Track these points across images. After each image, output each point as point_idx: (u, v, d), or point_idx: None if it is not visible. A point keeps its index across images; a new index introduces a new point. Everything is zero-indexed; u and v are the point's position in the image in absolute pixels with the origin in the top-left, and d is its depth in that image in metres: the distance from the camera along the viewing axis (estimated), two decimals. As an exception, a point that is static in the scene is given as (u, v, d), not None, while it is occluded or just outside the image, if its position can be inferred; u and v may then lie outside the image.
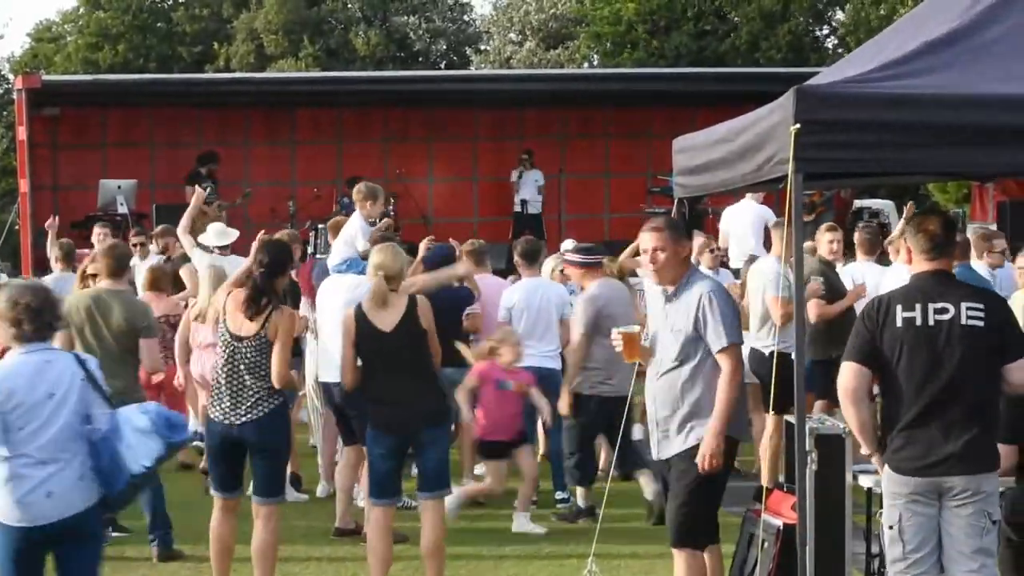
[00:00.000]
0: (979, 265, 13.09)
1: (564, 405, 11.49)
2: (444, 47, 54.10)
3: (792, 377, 7.10)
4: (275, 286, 9.13)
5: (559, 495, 12.34)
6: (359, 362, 9.25)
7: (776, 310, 11.40)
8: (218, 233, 14.39)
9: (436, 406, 9.24)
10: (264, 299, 8.95)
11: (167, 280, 13.70)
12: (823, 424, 7.92)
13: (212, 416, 9.11)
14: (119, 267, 10.67)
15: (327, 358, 10.95)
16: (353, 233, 12.90)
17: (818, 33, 45.72)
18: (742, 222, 18.14)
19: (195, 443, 12.54)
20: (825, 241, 12.84)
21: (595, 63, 46.64)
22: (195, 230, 14.20)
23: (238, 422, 8.96)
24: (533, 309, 12.37)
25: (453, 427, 12.09)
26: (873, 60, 7.11)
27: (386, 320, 9.06)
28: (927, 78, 6.74)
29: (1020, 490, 7.87)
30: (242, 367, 8.94)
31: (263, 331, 8.91)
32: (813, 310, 11.79)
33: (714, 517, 8.05)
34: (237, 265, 12.90)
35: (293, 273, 13.20)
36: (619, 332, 8.08)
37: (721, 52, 41.81)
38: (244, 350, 8.94)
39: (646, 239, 7.95)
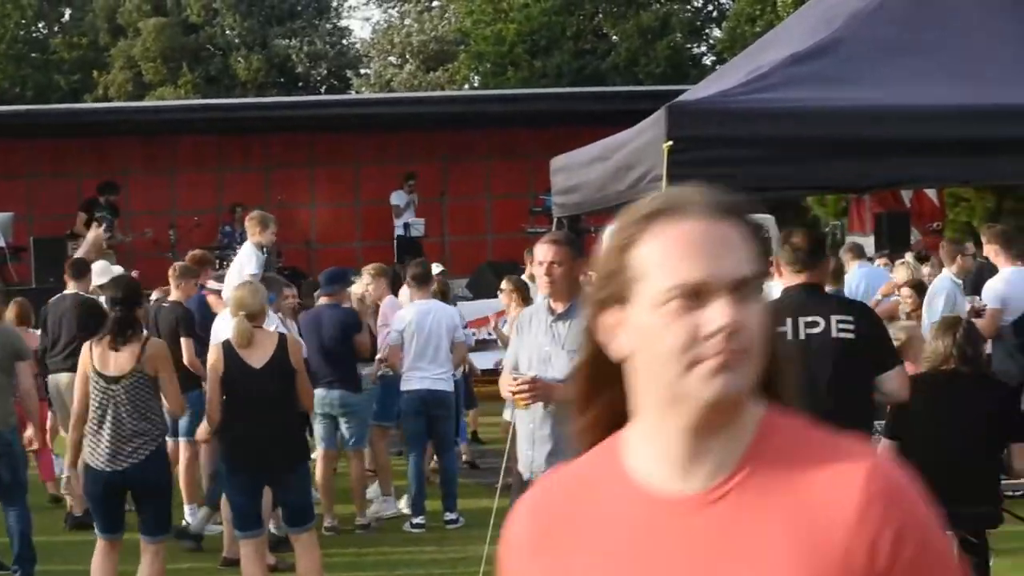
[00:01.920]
0: (949, 272, 13.19)
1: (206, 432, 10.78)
2: (325, 71, 53.97)
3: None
4: (135, 318, 9.05)
5: (448, 516, 12.38)
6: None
7: None
8: (101, 271, 14.24)
9: (296, 447, 9.25)
10: (130, 329, 8.86)
11: (29, 315, 13.62)
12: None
13: (92, 463, 8.90)
14: None
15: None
16: (243, 261, 12.86)
17: (696, 51, 46.11)
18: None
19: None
20: None
21: (476, 84, 46.72)
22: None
23: (120, 468, 8.82)
24: (424, 331, 12.39)
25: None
26: (743, 74, 7.17)
27: (255, 357, 9.02)
28: (795, 91, 6.79)
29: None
30: (121, 410, 8.81)
31: (139, 367, 8.81)
32: None
33: None
34: None
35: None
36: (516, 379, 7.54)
37: (601, 70, 42.06)
38: (120, 392, 8.80)
39: (543, 251, 7.64)
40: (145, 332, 9.36)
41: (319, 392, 11.68)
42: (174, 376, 9.15)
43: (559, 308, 7.64)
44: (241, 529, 9.23)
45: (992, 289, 12.57)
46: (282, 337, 9.19)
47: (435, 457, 13.22)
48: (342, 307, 12.59)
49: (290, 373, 9.05)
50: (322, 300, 12.70)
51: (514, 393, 7.51)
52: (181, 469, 12.53)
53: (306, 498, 9.33)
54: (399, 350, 12.37)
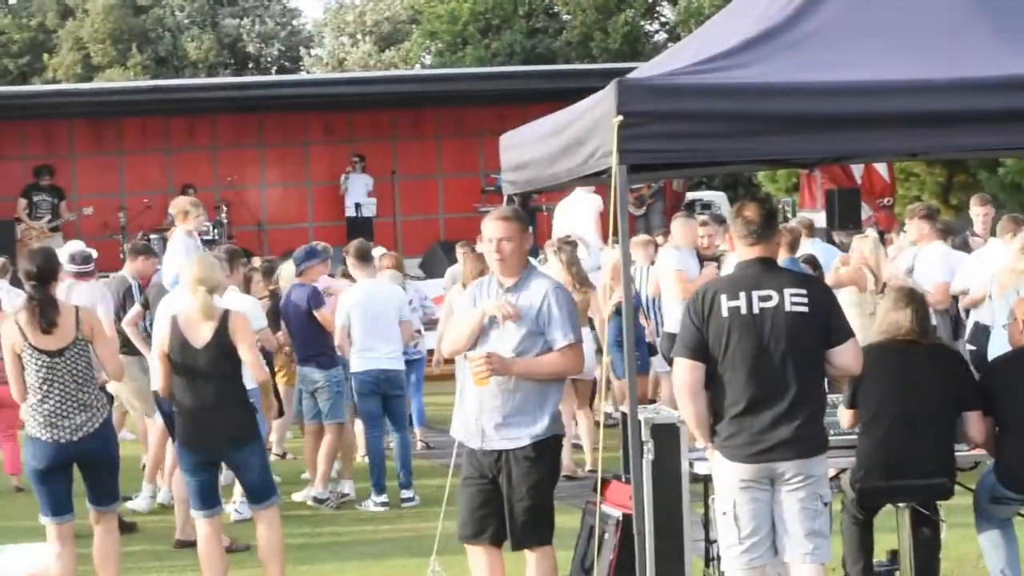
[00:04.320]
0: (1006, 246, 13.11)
1: None
2: (276, 51, 53.78)
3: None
4: (52, 292, 8.93)
5: (404, 494, 12.40)
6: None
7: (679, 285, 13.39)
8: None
9: (241, 423, 9.05)
10: (53, 309, 8.77)
11: None
12: (658, 413, 7.99)
13: (40, 437, 8.77)
14: None
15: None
16: (174, 248, 12.95)
17: (649, 28, 46.06)
18: (575, 214, 18.24)
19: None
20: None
21: (429, 63, 46.58)
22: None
23: (75, 438, 8.74)
24: (372, 311, 12.37)
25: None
26: (693, 56, 7.18)
27: (198, 334, 8.91)
28: (746, 70, 6.80)
29: (856, 465, 8.00)
30: (68, 381, 8.71)
31: (79, 335, 8.73)
32: None
33: (553, 510, 8.04)
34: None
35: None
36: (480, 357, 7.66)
37: (554, 49, 42.07)
38: (65, 363, 8.70)
39: (492, 228, 7.74)
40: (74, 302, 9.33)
41: (299, 369, 12.85)
42: (108, 340, 9.08)
43: (509, 282, 7.74)
44: (198, 508, 9.15)
45: (935, 265, 12.83)
46: (225, 312, 9.07)
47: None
48: (306, 285, 12.74)
49: (232, 349, 8.94)
50: (295, 280, 13.00)
51: (473, 370, 7.59)
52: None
53: (262, 474, 9.22)
54: (346, 330, 12.39)
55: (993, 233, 14.17)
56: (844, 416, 7.99)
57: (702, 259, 14.50)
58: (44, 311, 8.71)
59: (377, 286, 12.73)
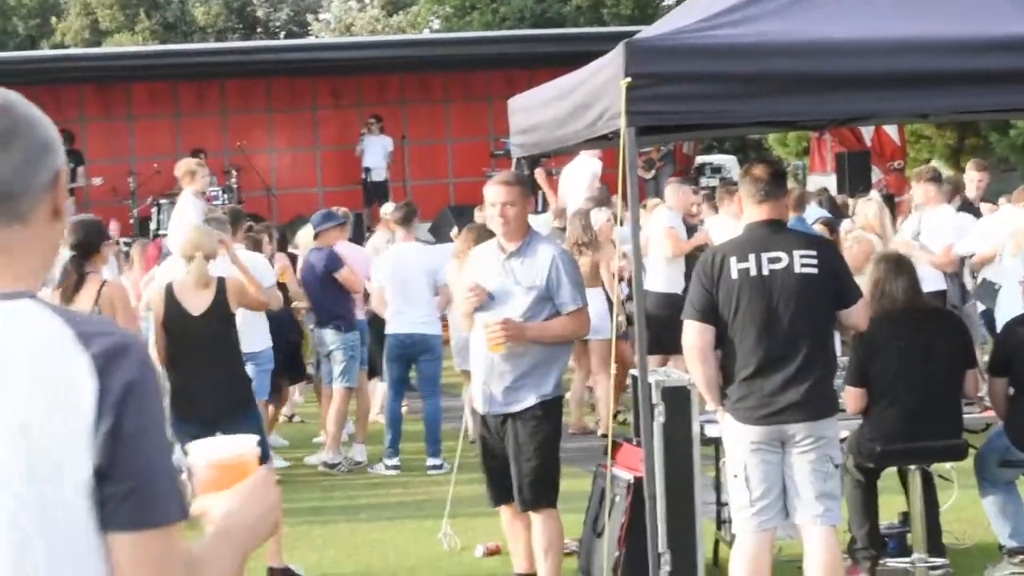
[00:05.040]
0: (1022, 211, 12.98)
1: None
2: (285, 16, 53.66)
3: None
4: (93, 265, 8.84)
5: (431, 461, 12.35)
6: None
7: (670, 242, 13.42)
8: None
9: (239, 396, 8.89)
10: (73, 283, 8.66)
11: None
12: (668, 377, 7.98)
13: None
14: None
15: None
16: (183, 209, 12.92)
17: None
18: (575, 179, 18.20)
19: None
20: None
21: (437, 28, 46.44)
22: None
23: None
24: (401, 275, 12.35)
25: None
26: (701, 11, 7.12)
27: (196, 303, 8.79)
28: (753, 27, 6.73)
29: (859, 434, 8.00)
30: None
31: (97, 309, 8.68)
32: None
33: (559, 471, 8.03)
34: None
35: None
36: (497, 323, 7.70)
37: (563, 13, 41.87)
38: None
39: (495, 193, 7.74)
40: (105, 275, 9.23)
41: (316, 332, 12.88)
42: (126, 315, 8.83)
43: (512, 247, 7.73)
44: None
45: (944, 228, 12.79)
46: (221, 280, 8.98)
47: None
48: (323, 249, 12.73)
49: (230, 318, 8.85)
50: (312, 244, 13.03)
51: (488, 336, 7.59)
52: None
53: (259, 444, 9.07)
54: (381, 295, 12.41)
55: (984, 199, 14.17)
56: (852, 396, 7.90)
57: (688, 228, 14.55)
58: (64, 284, 8.68)
59: (408, 252, 12.61)
